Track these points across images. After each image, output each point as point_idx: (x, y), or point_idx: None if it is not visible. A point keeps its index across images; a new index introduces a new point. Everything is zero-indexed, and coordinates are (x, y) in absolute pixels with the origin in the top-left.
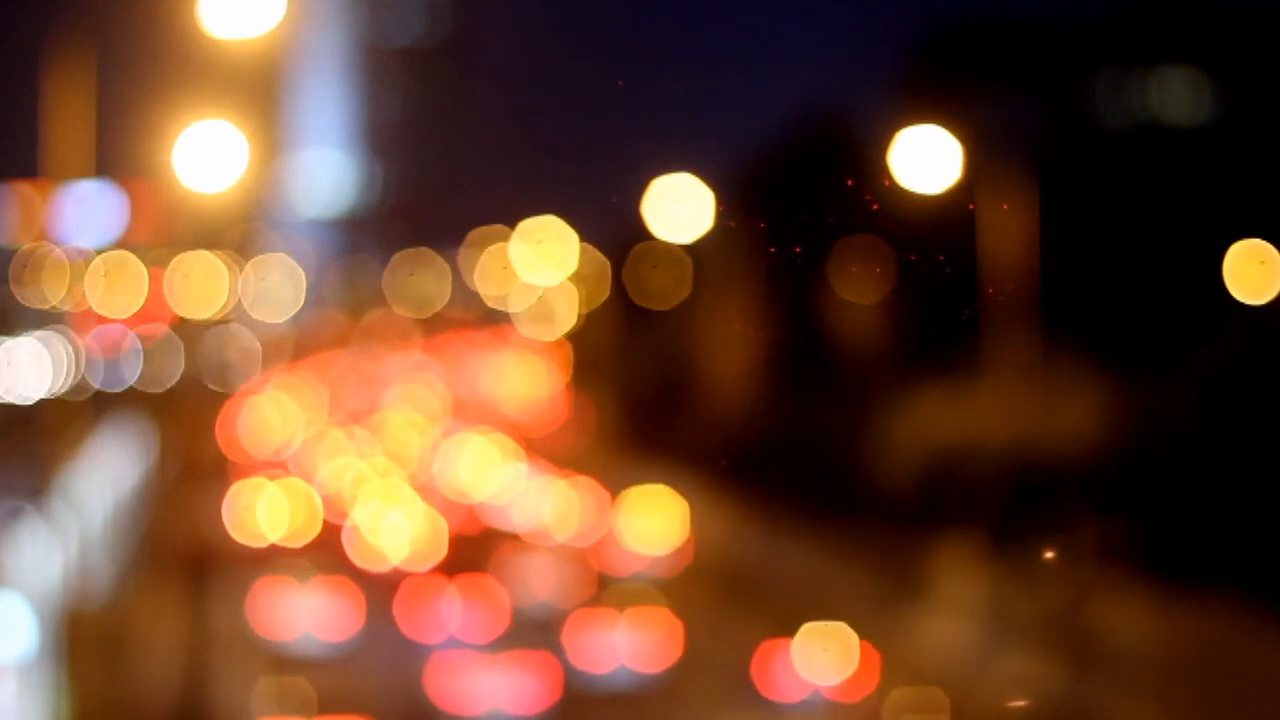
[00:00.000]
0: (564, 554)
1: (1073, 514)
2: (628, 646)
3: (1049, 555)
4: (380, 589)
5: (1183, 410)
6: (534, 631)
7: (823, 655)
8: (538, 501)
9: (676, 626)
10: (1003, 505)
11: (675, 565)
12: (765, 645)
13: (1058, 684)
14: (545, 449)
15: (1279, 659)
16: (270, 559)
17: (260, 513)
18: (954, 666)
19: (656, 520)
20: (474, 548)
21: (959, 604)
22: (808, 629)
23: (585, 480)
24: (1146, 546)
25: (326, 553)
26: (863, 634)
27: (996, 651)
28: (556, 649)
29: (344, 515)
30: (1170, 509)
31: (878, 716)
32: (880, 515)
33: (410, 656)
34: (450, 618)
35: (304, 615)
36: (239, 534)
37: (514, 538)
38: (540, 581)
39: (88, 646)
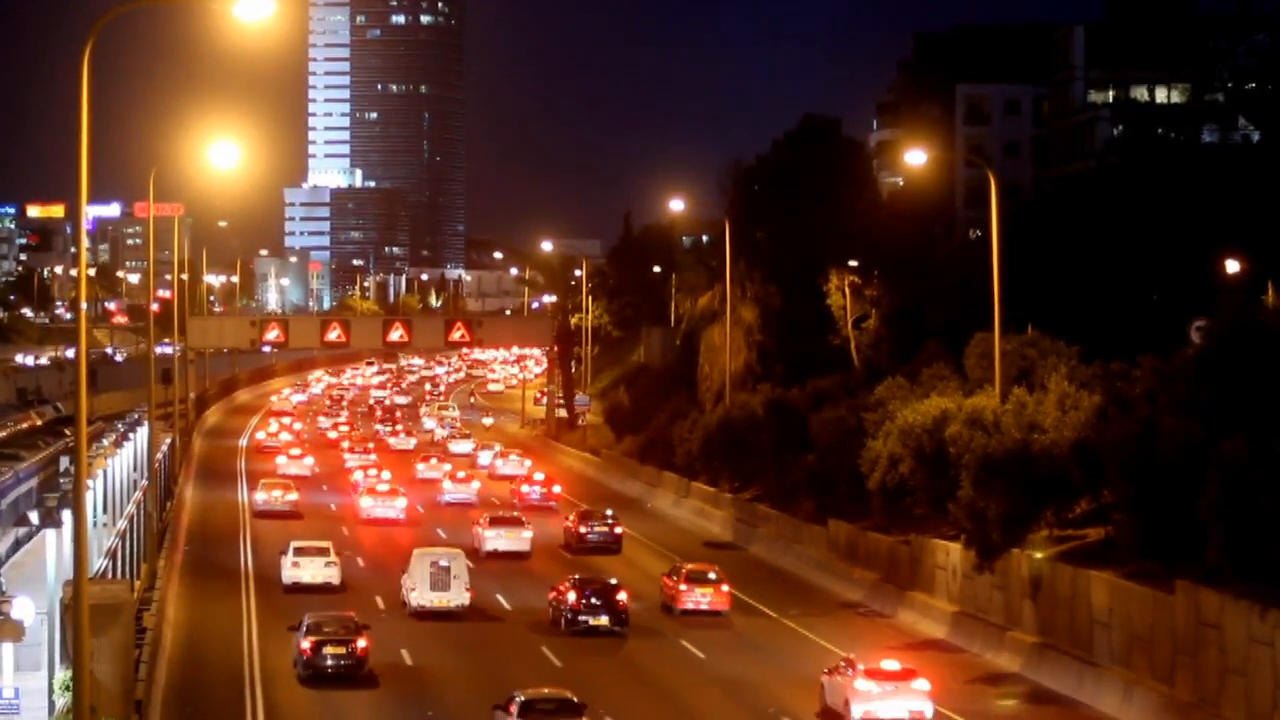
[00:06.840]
0: (458, 463)
1: (1069, 512)
2: (463, 492)
3: (1043, 553)
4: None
5: (1176, 409)
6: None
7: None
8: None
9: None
10: (999, 504)
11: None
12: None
13: (1049, 678)
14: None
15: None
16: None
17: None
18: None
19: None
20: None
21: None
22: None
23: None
24: (1141, 541)
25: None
26: None
27: (987, 646)
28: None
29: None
30: (1165, 504)
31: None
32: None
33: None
34: (368, 476)
35: (290, 462)
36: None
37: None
38: (431, 469)
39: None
